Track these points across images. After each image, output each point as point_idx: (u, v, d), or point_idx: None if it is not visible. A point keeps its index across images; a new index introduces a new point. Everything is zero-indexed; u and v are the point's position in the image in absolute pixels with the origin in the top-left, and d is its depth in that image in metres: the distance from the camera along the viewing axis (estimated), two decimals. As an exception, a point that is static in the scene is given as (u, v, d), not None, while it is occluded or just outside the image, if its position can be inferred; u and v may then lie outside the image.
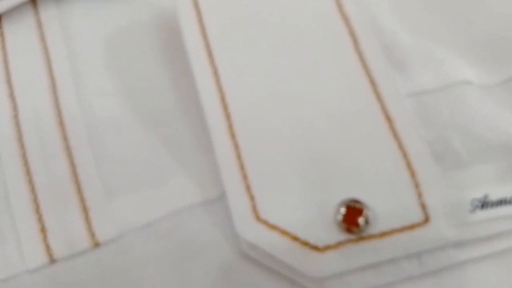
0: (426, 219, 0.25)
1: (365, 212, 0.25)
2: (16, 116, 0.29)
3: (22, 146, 0.28)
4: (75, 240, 0.26)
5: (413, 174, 0.26)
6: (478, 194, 0.26)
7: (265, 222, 0.26)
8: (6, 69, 0.30)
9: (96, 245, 0.26)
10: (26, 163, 0.28)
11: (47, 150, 0.28)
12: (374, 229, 0.25)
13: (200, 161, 0.28)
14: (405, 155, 0.26)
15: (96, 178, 0.27)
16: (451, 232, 0.25)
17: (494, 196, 0.26)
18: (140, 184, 0.27)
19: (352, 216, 0.25)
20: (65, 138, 0.28)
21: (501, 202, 0.26)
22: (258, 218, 0.26)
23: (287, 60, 0.28)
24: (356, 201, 0.25)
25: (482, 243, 0.26)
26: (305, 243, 0.25)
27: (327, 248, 0.25)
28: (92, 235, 0.26)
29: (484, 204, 0.26)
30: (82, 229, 0.27)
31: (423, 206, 0.25)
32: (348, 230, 0.25)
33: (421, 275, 0.25)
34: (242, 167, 0.27)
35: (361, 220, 0.25)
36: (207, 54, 0.28)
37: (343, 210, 0.25)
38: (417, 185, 0.25)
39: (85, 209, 0.27)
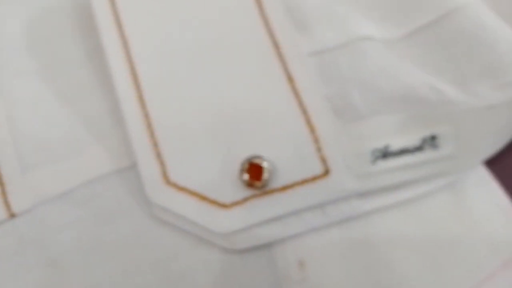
0: (326, 171, 0.26)
1: (267, 167, 0.26)
2: None
3: None
4: None
5: (312, 130, 0.27)
6: (379, 144, 0.27)
7: (174, 185, 0.26)
8: None
9: (12, 216, 0.27)
10: None
11: None
12: (276, 183, 0.26)
13: (114, 133, 0.29)
14: (304, 112, 0.27)
15: (12, 155, 0.28)
16: (352, 183, 0.26)
17: (395, 146, 0.27)
18: (56, 157, 0.28)
19: (255, 172, 0.26)
20: None
21: (402, 152, 0.27)
22: (168, 182, 0.27)
23: (194, 27, 0.29)
24: (259, 157, 0.26)
25: (386, 193, 0.27)
26: (214, 202, 0.26)
27: (234, 204, 0.26)
28: (8, 207, 0.27)
29: (386, 154, 0.27)
30: None
31: (323, 159, 0.26)
32: (252, 185, 0.26)
33: (326, 226, 0.26)
34: (152, 134, 0.27)
35: (264, 175, 0.26)
36: (117, 27, 0.29)
37: (246, 166, 0.26)
38: (316, 140, 0.26)
39: (1, 183, 0.28)
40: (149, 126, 0.28)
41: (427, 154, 0.27)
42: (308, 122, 0.27)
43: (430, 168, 0.27)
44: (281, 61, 0.28)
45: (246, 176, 0.26)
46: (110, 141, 0.28)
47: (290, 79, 0.28)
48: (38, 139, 0.29)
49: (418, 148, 0.27)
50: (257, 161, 0.26)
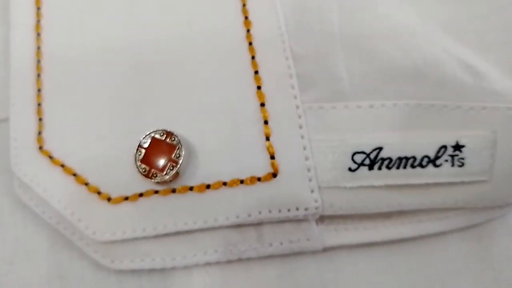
0: (274, 173, 0.17)
1: (181, 151, 0.16)
2: None
3: None
4: None
5: (264, 112, 0.17)
6: (366, 144, 0.17)
7: (48, 155, 0.18)
8: None
9: None
10: None
11: None
12: (193, 178, 0.17)
13: None
14: (257, 80, 0.17)
15: None
16: (311, 195, 0.16)
17: (391, 150, 0.17)
18: None
19: (159, 155, 0.16)
20: None
21: (402, 161, 0.17)
22: (41, 148, 0.18)
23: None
24: (169, 134, 0.17)
25: (365, 223, 0.17)
26: (95, 190, 0.17)
27: (122, 199, 0.17)
28: None
29: (374, 160, 0.17)
30: None
31: (271, 154, 0.17)
32: (151, 176, 0.16)
33: (261, 259, 0.17)
34: (39, 76, 0.19)
35: (171, 161, 0.16)
36: None
37: (146, 143, 0.17)
38: (266, 126, 0.17)
39: None
40: (38, 64, 0.19)
41: (444, 171, 0.17)
42: (260, 97, 0.17)
43: (445, 194, 0.17)
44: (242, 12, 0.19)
45: (143, 160, 0.17)
46: None
47: (247, 22, 0.18)
48: None
49: (431, 160, 0.17)
50: (164, 138, 0.17)
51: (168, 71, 0.18)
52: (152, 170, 0.16)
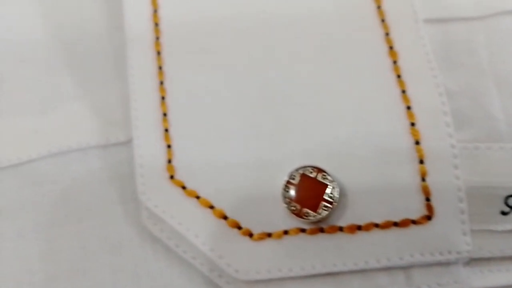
0: (428, 215, 0.16)
1: (332, 189, 0.16)
2: None
3: None
4: None
5: (419, 151, 0.16)
6: None
7: (181, 185, 0.17)
8: None
9: None
10: None
11: None
12: (342, 218, 0.16)
13: (108, 91, 0.19)
14: (410, 117, 0.17)
15: None
16: (463, 239, 0.16)
17: None
18: (23, 108, 0.19)
19: (310, 193, 0.16)
20: None
21: None
22: (172, 177, 0.17)
23: None
24: (320, 171, 0.16)
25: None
26: (235, 224, 0.16)
27: (265, 236, 0.16)
28: None
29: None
30: None
31: (427, 195, 0.16)
32: (301, 215, 0.16)
33: None
34: (163, 100, 0.18)
35: (324, 203, 0.16)
36: None
37: (296, 179, 0.16)
38: (422, 167, 0.16)
39: None
40: (161, 85, 0.18)
41: None
42: (414, 134, 0.17)
43: None
44: (381, 26, 0.18)
45: (294, 198, 0.16)
46: (100, 101, 0.19)
47: (392, 53, 0.17)
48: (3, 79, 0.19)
49: None
50: (315, 175, 0.16)
51: (305, 98, 0.17)
52: (303, 209, 0.16)
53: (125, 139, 0.18)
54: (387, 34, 0.18)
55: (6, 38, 0.20)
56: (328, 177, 0.16)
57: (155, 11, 0.19)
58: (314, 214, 0.16)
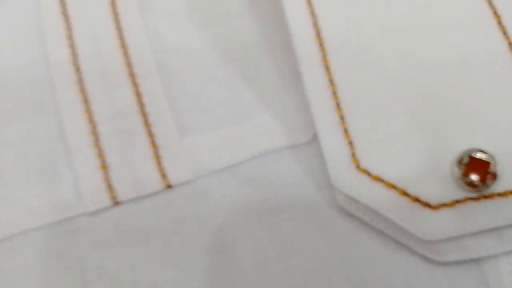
0: None
1: (492, 165, 0.21)
2: (70, 37, 0.25)
3: (77, 70, 0.24)
4: (143, 181, 0.22)
5: None
6: None
7: (366, 173, 0.22)
8: None
9: (168, 187, 0.22)
10: (82, 90, 0.24)
11: (108, 75, 0.24)
12: (500, 186, 0.21)
13: (285, 100, 0.24)
14: None
15: (166, 111, 0.23)
16: None
17: None
18: (218, 122, 0.23)
19: (477, 170, 0.21)
20: (128, 63, 0.24)
21: None
22: (358, 167, 0.22)
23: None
24: (481, 151, 0.21)
25: None
26: (416, 199, 0.21)
27: (441, 206, 0.21)
28: (163, 175, 0.23)
29: None
30: (151, 168, 0.23)
31: None
32: (471, 186, 0.21)
33: None
34: (338, 106, 0.22)
35: (489, 175, 0.21)
36: None
37: (465, 160, 0.21)
38: None
39: (154, 146, 0.23)
40: (334, 94, 0.23)
41: None
42: None
43: None
44: (504, 34, 0.23)
45: (463, 174, 0.21)
46: (280, 110, 0.24)
47: None
48: (196, 96, 0.24)
49: None
50: (480, 156, 0.21)
51: (459, 97, 0.22)
52: (473, 182, 0.21)
53: (307, 140, 0.23)
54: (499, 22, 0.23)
55: (191, 57, 0.25)
56: (489, 155, 0.21)
57: (318, 34, 0.23)
58: (482, 186, 0.21)
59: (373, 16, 0.23)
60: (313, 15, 0.24)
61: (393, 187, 0.21)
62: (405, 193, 0.21)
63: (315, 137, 0.23)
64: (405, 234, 0.21)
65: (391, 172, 0.21)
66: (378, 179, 0.22)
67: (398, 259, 0.21)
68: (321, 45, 0.23)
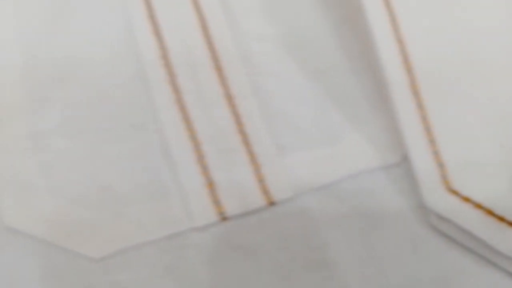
0: None
1: None
2: (165, 57, 0.25)
3: (176, 90, 0.25)
4: (248, 197, 0.24)
5: None
6: None
7: (457, 194, 0.24)
8: (148, 4, 0.26)
9: (271, 204, 0.24)
10: (183, 109, 0.25)
11: (206, 96, 0.25)
12: None
13: (374, 122, 0.25)
14: None
15: (263, 131, 0.25)
16: None
17: None
18: (312, 142, 0.25)
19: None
20: (224, 84, 0.25)
21: None
22: (449, 188, 0.24)
23: (486, 11, 0.25)
24: None
25: None
26: (501, 219, 0.24)
27: None
28: (266, 192, 0.24)
29: None
30: (254, 186, 0.24)
31: None
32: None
33: None
34: (428, 129, 0.24)
35: None
36: (385, 4, 0.25)
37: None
38: None
39: (255, 164, 0.24)
40: (424, 119, 0.24)
41: None
42: None
43: None
44: None
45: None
46: (370, 131, 0.25)
47: None
48: (289, 117, 0.25)
49: None
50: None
51: None
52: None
53: (397, 161, 0.25)
54: None
55: (280, 79, 0.26)
56: None
57: (406, 59, 0.25)
58: None
59: (458, 46, 0.25)
60: (400, 41, 0.25)
61: (480, 207, 0.24)
62: (491, 213, 0.24)
63: (404, 158, 0.25)
64: (494, 252, 0.24)
65: (478, 193, 0.24)
66: (467, 199, 0.24)
67: (487, 276, 0.24)
68: (409, 70, 0.25)
